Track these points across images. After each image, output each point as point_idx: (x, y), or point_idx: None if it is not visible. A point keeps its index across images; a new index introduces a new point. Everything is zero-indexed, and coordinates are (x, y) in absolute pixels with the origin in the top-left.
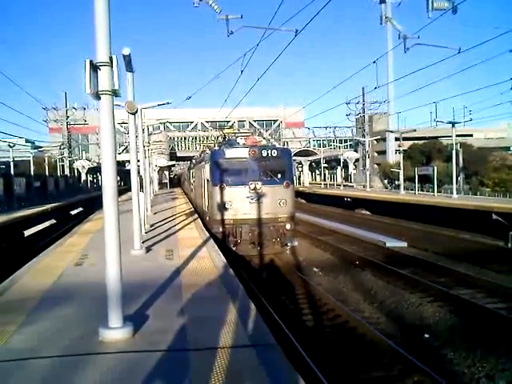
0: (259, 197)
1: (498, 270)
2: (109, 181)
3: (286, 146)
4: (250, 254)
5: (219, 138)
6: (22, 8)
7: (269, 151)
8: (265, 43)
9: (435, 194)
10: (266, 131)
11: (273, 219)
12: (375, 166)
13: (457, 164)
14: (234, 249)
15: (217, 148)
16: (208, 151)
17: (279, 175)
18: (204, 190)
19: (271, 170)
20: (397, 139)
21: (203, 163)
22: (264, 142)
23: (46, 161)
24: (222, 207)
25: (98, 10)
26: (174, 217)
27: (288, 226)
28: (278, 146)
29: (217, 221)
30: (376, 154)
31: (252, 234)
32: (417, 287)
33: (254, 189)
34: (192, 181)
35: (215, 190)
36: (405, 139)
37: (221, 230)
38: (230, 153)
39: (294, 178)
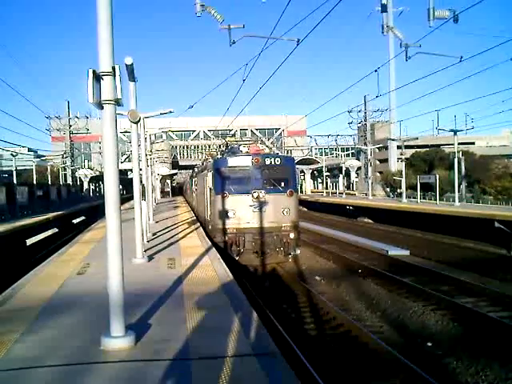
0: (262, 205)
1: (501, 278)
2: (111, 189)
3: (289, 154)
4: (253, 263)
5: (222, 147)
6: (24, 17)
7: (272, 159)
8: (267, 52)
9: (437, 202)
10: (268, 140)
11: (276, 228)
12: (377, 174)
13: (459, 172)
14: (236, 258)
15: (219, 156)
16: (210, 159)
17: (283, 183)
18: (206, 198)
19: (274, 178)
20: (399, 147)
21: (206, 171)
22: (267, 151)
23: (49, 170)
24: (225, 216)
25: (101, 21)
26: (176, 225)
27: (292, 235)
28: (280, 154)
29: (219, 230)
30: (378, 163)
31: (255, 243)
32: (419, 296)
33: (257, 197)
34: (194, 189)
35: (218, 199)
36: (407, 147)
37: (223, 239)
38: (232, 161)
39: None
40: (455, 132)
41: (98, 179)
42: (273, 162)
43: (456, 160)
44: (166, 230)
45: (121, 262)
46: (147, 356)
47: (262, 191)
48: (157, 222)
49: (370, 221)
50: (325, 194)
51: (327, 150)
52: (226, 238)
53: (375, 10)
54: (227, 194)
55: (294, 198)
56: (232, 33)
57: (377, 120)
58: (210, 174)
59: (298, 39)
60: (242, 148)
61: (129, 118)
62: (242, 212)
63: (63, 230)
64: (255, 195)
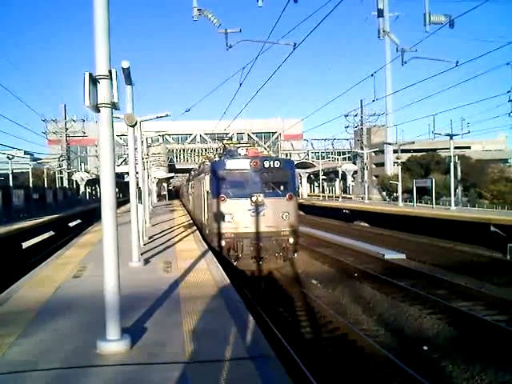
0: (261, 209)
1: (497, 282)
2: (107, 193)
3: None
4: (251, 268)
5: (219, 149)
6: (21, 20)
7: (271, 162)
8: (263, 56)
9: (433, 206)
10: (265, 143)
11: (275, 233)
12: (373, 178)
13: (455, 176)
14: (234, 263)
15: (217, 159)
16: (208, 162)
17: (282, 187)
18: (204, 202)
19: (273, 181)
20: (395, 151)
21: (203, 175)
22: (266, 153)
23: (45, 173)
24: (223, 220)
25: (98, 24)
26: (173, 229)
27: (291, 240)
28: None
29: (217, 234)
30: (374, 166)
31: (254, 248)
32: (416, 299)
33: (256, 201)
34: (191, 192)
35: (215, 203)
36: (403, 151)
37: (221, 243)
38: (230, 164)
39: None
40: (451, 136)
41: (94, 182)
42: (272, 165)
43: (452, 164)
44: (163, 234)
45: (117, 265)
46: (143, 360)
47: (261, 195)
48: (153, 226)
49: (366, 224)
50: (321, 197)
51: (324, 154)
52: (224, 243)
53: (371, 15)
54: (225, 198)
55: (293, 201)
56: (229, 37)
57: (373, 124)
58: (207, 177)
59: (295, 43)
60: (240, 150)
61: (125, 121)
62: (240, 216)
63: (59, 233)
64: (254, 199)
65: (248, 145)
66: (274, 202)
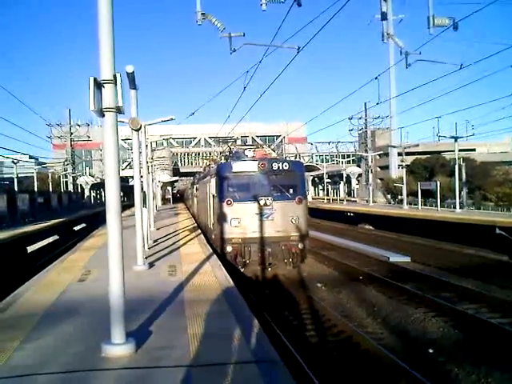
0: (269, 213)
1: (502, 284)
2: (112, 197)
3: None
4: (259, 274)
5: (225, 152)
6: (26, 25)
7: (279, 164)
8: (267, 60)
9: (438, 208)
10: (269, 146)
11: (284, 238)
12: (378, 180)
13: (460, 179)
14: (242, 270)
15: (223, 161)
16: (213, 165)
17: (291, 190)
18: (209, 206)
19: (282, 184)
20: (399, 154)
21: (209, 177)
22: (274, 155)
23: (50, 177)
24: (230, 225)
25: (103, 29)
26: (177, 232)
27: (300, 246)
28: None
29: (223, 240)
30: (379, 169)
31: (262, 254)
32: (421, 302)
33: (264, 205)
34: (196, 196)
35: (222, 206)
36: (407, 154)
37: (228, 249)
38: (237, 166)
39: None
40: (456, 139)
41: (98, 186)
42: (280, 167)
43: (457, 166)
44: (167, 237)
45: (122, 268)
46: (147, 363)
47: (269, 198)
48: (158, 229)
49: (371, 227)
50: (326, 200)
51: (328, 157)
52: (231, 249)
53: (375, 18)
54: (231, 202)
55: (303, 205)
56: (232, 41)
57: (377, 127)
58: (213, 180)
59: (299, 47)
60: (247, 152)
61: (130, 125)
62: (247, 220)
63: (64, 237)
64: (262, 202)
65: (255, 146)
66: (282, 206)
